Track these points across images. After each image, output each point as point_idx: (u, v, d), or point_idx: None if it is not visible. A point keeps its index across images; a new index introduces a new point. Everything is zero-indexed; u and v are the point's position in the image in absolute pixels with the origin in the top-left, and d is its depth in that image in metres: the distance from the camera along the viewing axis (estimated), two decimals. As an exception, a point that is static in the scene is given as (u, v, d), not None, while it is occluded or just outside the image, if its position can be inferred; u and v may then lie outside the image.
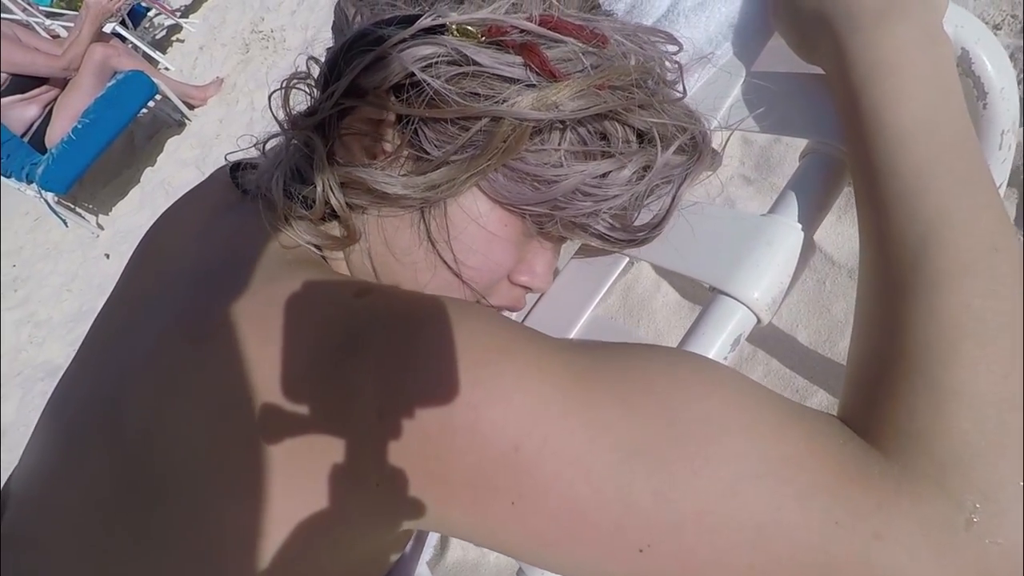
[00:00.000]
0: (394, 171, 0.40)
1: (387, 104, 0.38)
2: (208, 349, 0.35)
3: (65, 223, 3.38)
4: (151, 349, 0.38)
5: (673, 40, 0.44)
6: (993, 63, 0.44)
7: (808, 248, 0.42)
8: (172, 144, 3.58)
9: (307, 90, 0.45)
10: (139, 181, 3.55)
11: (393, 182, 0.39)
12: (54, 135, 3.23)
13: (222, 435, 0.33)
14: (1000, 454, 0.28)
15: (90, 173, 3.33)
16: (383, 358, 0.31)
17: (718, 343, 0.40)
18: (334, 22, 0.46)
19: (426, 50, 0.36)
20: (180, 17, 5.00)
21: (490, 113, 0.36)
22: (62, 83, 3.28)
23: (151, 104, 3.48)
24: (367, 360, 0.31)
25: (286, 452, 0.31)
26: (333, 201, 0.40)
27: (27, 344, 3.09)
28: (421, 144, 0.38)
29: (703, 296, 0.99)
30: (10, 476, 0.51)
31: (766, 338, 0.87)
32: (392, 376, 0.30)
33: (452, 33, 0.36)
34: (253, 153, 0.70)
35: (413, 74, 0.36)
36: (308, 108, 0.42)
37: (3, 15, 3.67)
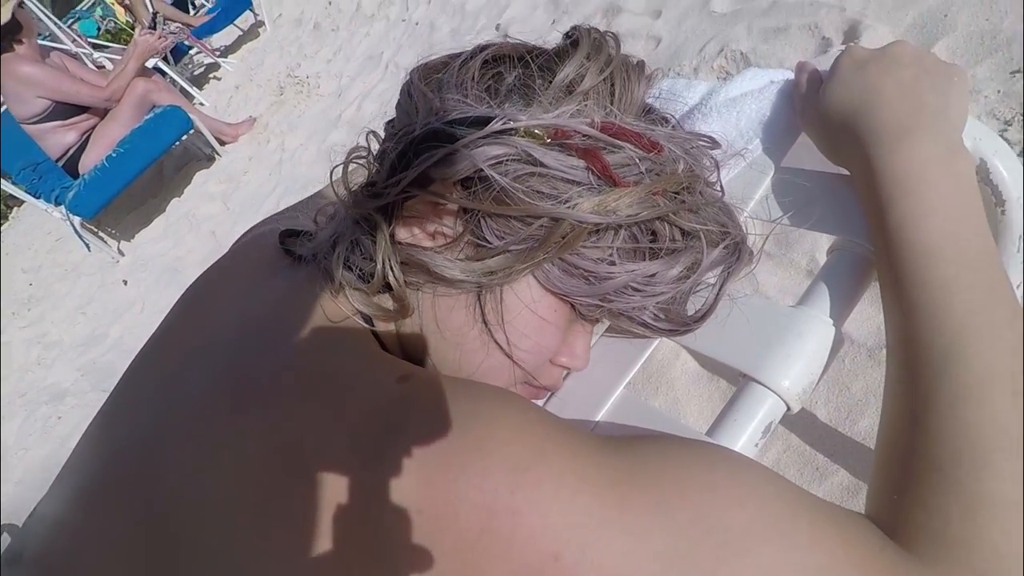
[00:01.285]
0: (452, 255, 0.41)
1: (454, 196, 0.40)
2: (249, 417, 0.35)
3: (88, 247, 3.45)
4: (193, 408, 0.38)
5: (716, 144, 0.47)
6: (1010, 173, 0.47)
7: (837, 341, 0.44)
8: (200, 177, 3.69)
9: (365, 164, 0.48)
10: (164, 211, 3.64)
11: (452, 266, 0.41)
12: (88, 161, 3.34)
13: (255, 508, 0.33)
14: None
15: (117, 200, 3.42)
16: (425, 455, 0.31)
17: (749, 429, 0.42)
18: (400, 102, 0.49)
19: (497, 150, 0.38)
20: (219, 56, 5.23)
21: (552, 214, 0.38)
22: (102, 112, 3.43)
23: (183, 138, 3.61)
24: (408, 454, 0.31)
25: (319, 534, 0.31)
26: (391, 279, 0.42)
27: (35, 365, 3.11)
28: (482, 233, 0.40)
29: (722, 368, 1.00)
30: (36, 507, 0.51)
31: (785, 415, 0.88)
32: (433, 474, 0.31)
33: (520, 135, 0.38)
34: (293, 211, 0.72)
35: (481, 170, 0.38)
36: (371, 189, 0.44)
37: (54, 45, 3.86)
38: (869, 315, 0.91)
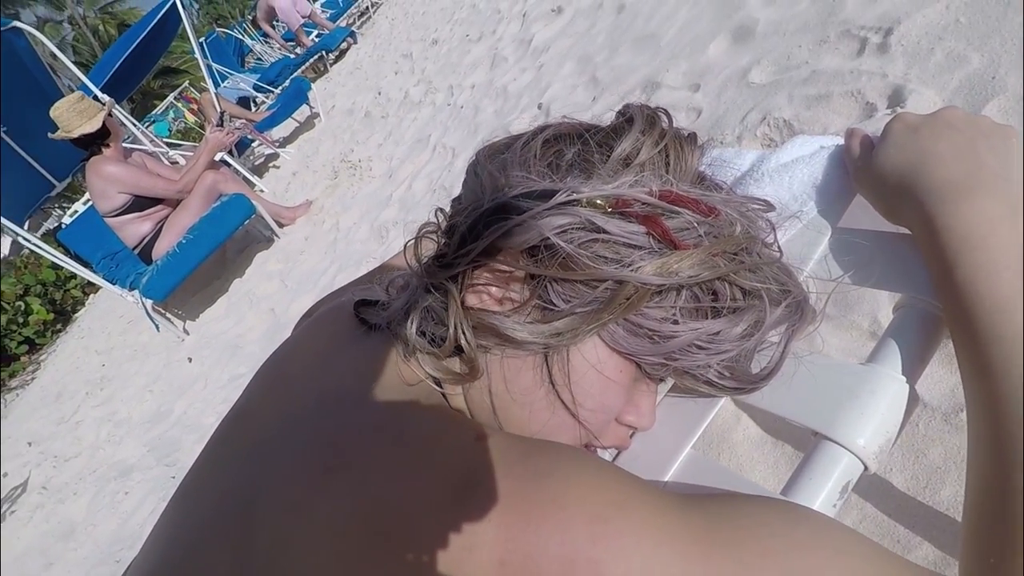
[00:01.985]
0: (521, 318, 0.43)
1: (521, 263, 0.43)
2: (337, 479, 0.37)
3: (157, 327, 3.65)
4: (285, 469, 0.40)
5: (770, 206, 0.49)
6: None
7: (912, 399, 0.43)
8: (260, 258, 3.90)
9: (433, 238, 0.52)
10: (227, 291, 3.84)
11: (520, 329, 0.42)
12: (160, 248, 3.60)
13: (345, 565, 0.34)
14: None
15: (184, 282, 3.64)
16: (505, 509, 0.32)
17: (826, 489, 0.41)
18: (467, 180, 0.53)
19: (562, 220, 0.41)
20: (279, 147, 5.64)
21: (616, 276, 0.40)
22: (175, 203, 3.71)
23: (246, 222, 3.85)
24: (489, 509, 0.32)
25: None
26: (463, 342, 0.44)
27: (105, 442, 3.24)
28: (549, 297, 0.42)
29: (786, 431, 0.97)
30: (128, 569, 0.53)
31: (858, 480, 0.84)
32: (514, 528, 0.32)
33: (583, 205, 0.41)
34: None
35: (547, 238, 0.41)
36: (442, 260, 0.47)
37: (135, 147, 4.25)
38: (941, 377, 0.87)
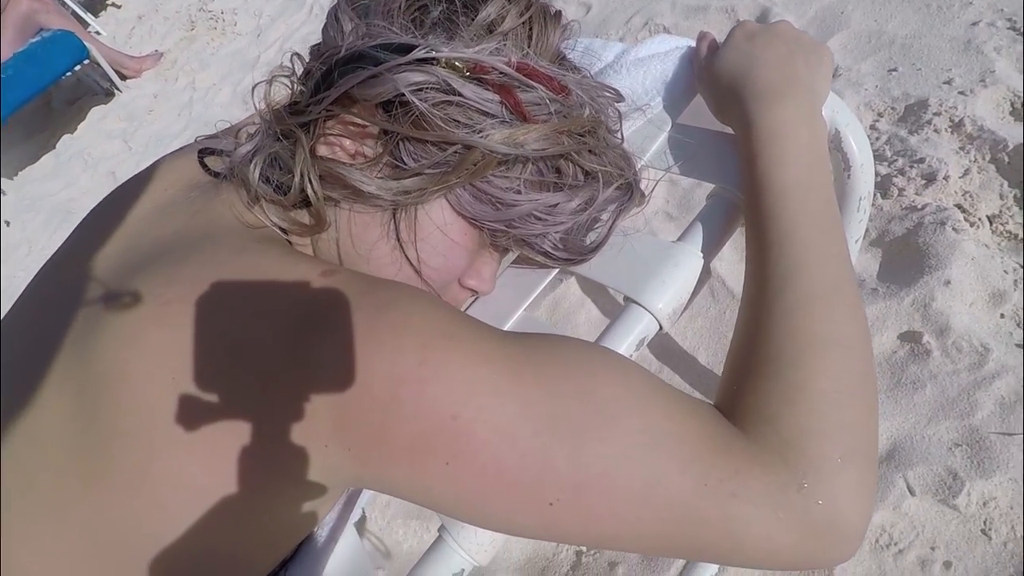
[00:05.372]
0: (371, 173, 0.44)
1: (375, 118, 0.43)
2: (174, 311, 0.37)
3: (-39, 183, 3.11)
4: (118, 303, 0.38)
5: (620, 97, 0.52)
6: (857, 143, 0.56)
7: (705, 272, 0.51)
8: (96, 113, 3.39)
9: (288, 85, 0.49)
10: (54, 147, 3.32)
11: (369, 182, 0.43)
12: (-39, 86, 2.99)
13: (181, 392, 0.35)
14: (827, 438, 0.37)
15: (-4, 132, 3.10)
16: (345, 337, 0.35)
17: (626, 342, 0.48)
18: (327, 25, 0.50)
19: (418, 77, 0.41)
20: (119, -18, 4.75)
21: (466, 141, 0.41)
22: (-23, 33, 3.06)
23: (77, 68, 3.28)
24: (333, 336, 0.35)
25: (246, 412, 0.34)
26: (309, 191, 0.44)
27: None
28: (400, 155, 0.43)
29: (611, 294, 1.09)
30: None
31: (671, 355, 0.97)
32: (354, 352, 0.34)
33: (441, 65, 0.42)
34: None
35: (403, 94, 0.41)
36: (293, 105, 0.46)
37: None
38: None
